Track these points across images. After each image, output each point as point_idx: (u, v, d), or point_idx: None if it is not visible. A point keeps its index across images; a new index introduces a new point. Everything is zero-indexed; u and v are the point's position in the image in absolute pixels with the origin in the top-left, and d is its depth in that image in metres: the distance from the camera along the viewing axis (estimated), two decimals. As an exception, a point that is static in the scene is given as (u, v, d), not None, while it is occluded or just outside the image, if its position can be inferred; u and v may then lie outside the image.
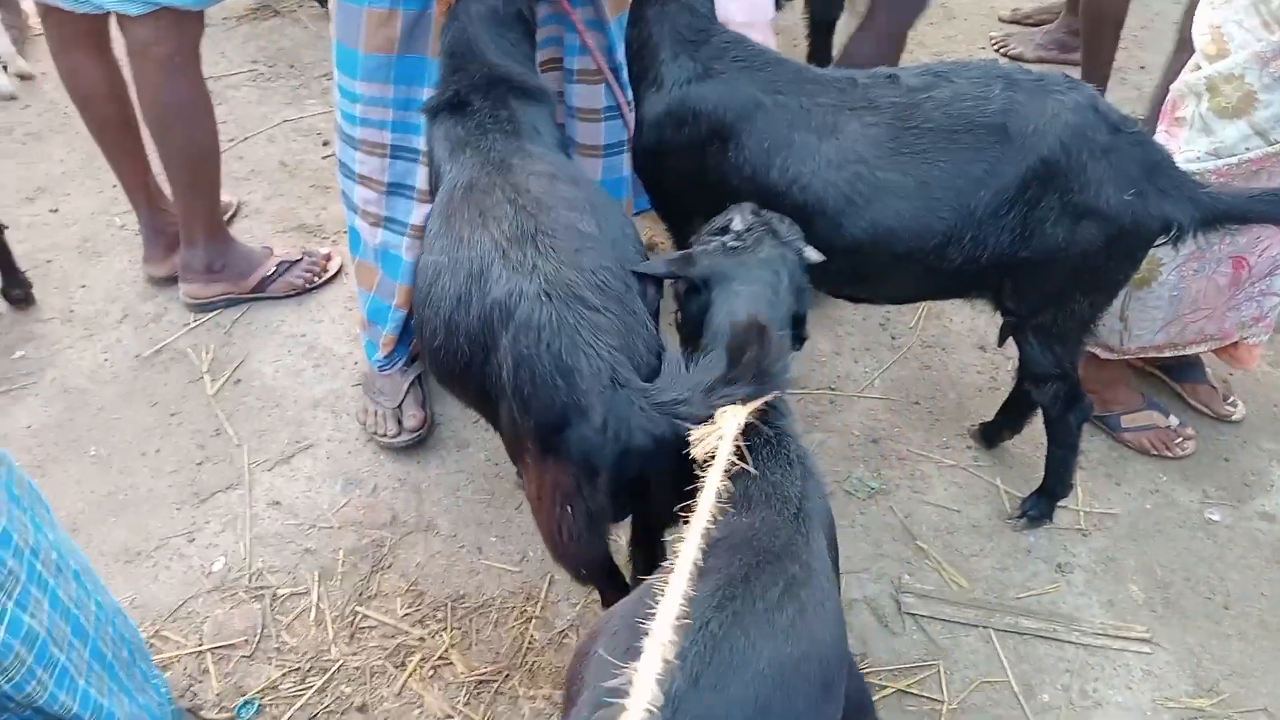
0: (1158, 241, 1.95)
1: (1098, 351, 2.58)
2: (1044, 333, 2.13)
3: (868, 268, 2.09)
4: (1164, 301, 2.45)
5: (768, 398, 1.51)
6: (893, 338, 2.97)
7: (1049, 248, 1.92)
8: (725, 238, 1.76)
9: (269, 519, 2.41)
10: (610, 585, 1.93)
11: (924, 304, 3.03)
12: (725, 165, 2.10)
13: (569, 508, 1.62)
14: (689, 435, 1.42)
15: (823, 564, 1.41)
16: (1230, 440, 2.72)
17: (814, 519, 1.44)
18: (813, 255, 1.80)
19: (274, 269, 3.00)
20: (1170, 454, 2.64)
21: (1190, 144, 2.23)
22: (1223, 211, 1.91)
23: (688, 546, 1.20)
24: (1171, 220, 1.90)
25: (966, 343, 2.98)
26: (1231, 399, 2.76)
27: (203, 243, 2.88)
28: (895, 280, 2.15)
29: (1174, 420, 2.66)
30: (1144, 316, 2.48)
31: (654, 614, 1.26)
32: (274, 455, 2.58)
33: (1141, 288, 2.43)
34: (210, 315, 2.96)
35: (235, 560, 2.32)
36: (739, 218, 1.80)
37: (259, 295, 3.00)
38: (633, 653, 1.26)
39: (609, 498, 1.60)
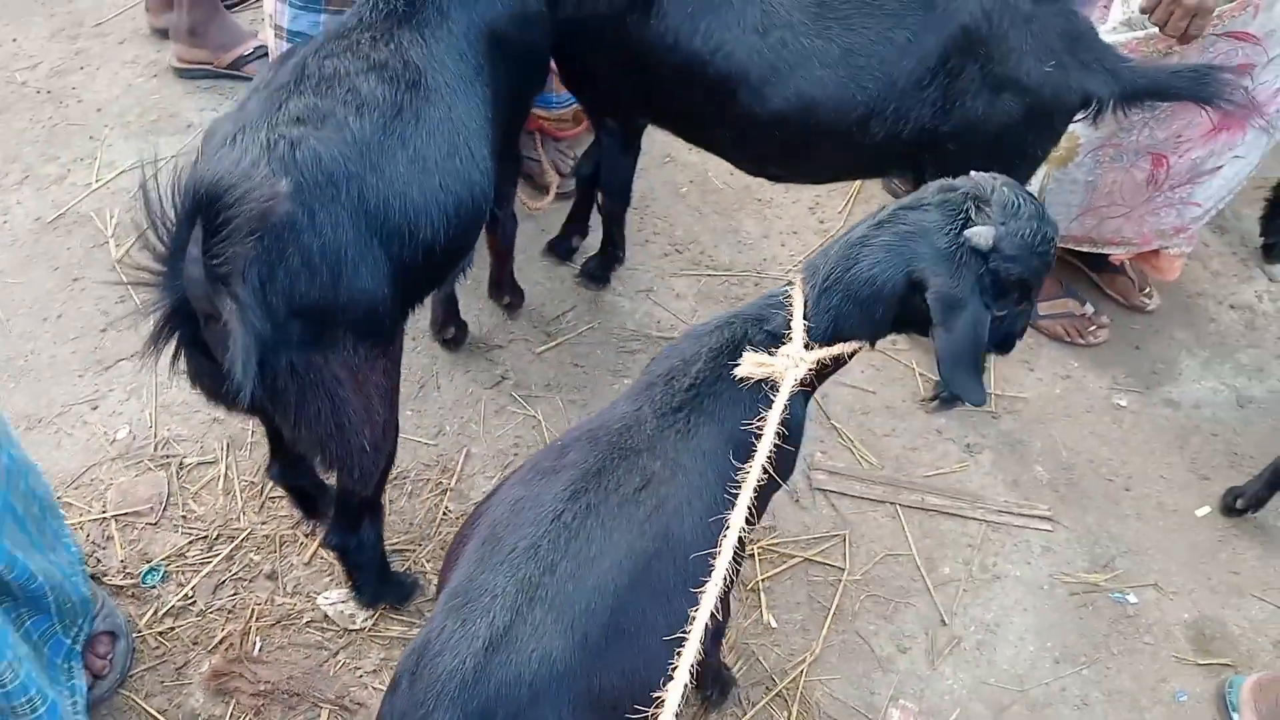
0: (1077, 116, 1.94)
1: None
2: None
3: (790, 143, 2.05)
4: (1080, 187, 2.46)
5: (841, 350, 1.48)
6: (820, 222, 2.95)
7: (969, 121, 1.90)
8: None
9: (176, 388, 2.34)
10: None
11: (853, 189, 3.01)
12: (647, 34, 2.02)
13: None
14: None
15: (700, 465, 1.36)
16: (1143, 329, 2.76)
17: (705, 419, 1.39)
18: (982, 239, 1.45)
19: (252, 50, 3.08)
20: (1083, 341, 2.68)
21: (1111, 16, 2.22)
22: (1143, 87, 1.89)
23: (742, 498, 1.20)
24: (1091, 94, 1.88)
25: (893, 229, 2.97)
26: (1148, 289, 2.80)
27: (188, 5, 3.00)
28: (817, 157, 2.11)
29: (1089, 308, 2.70)
30: (1061, 200, 2.49)
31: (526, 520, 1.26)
32: (183, 325, 2.51)
33: (1059, 167, 2.43)
34: (113, 178, 2.82)
35: (140, 429, 2.27)
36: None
37: (235, 74, 3.08)
38: (493, 550, 1.27)
39: None
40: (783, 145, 2.06)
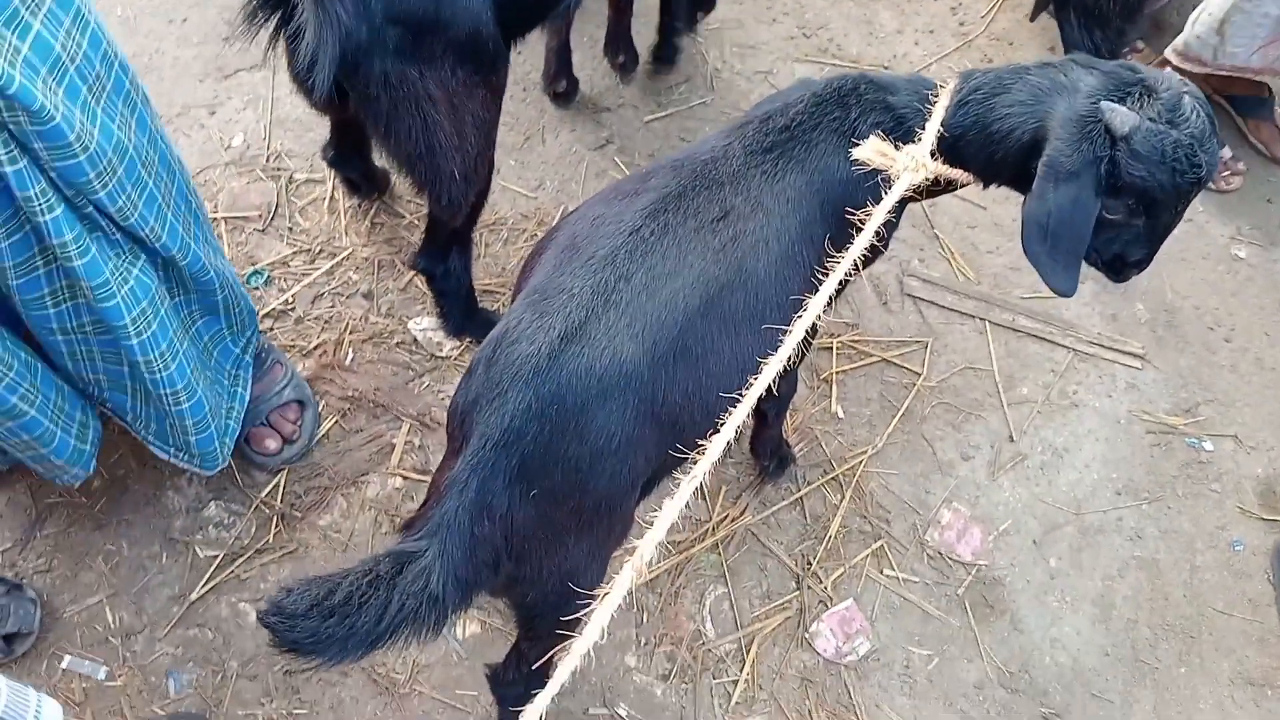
0: None
1: (1186, 66, 2.40)
2: (1085, 11, 1.97)
3: None
4: (1270, 20, 2.25)
5: (959, 175, 1.42)
6: (960, 24, 2.79)
7: None
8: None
9: (291, 104, 2.38)
10: None
11: (1001, -5, 2.82)
12: None
13: None
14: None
15: (782, 209, 1.34)
16: (1279, 184, 2.61)
17: (794, 165, 1.36)
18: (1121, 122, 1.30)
19: None
20: (1214, 186, 2.54)
21: None
22: None
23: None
24: None
25: (1037, 42, 2.80)
26: (1296, 142, 2.62)
27: None
28: None
29: (1227, 152, 2.54)
30: (1245, 32, 2.28)
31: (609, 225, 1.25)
32: (302, 44, 2.52)
33: None
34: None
35: (254, 139, 2.32)
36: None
37: None
38: (572, 256, 1.27)
39: None
40: None
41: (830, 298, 1.30)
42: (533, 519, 1.18)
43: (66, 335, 1.55)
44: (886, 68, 2.68)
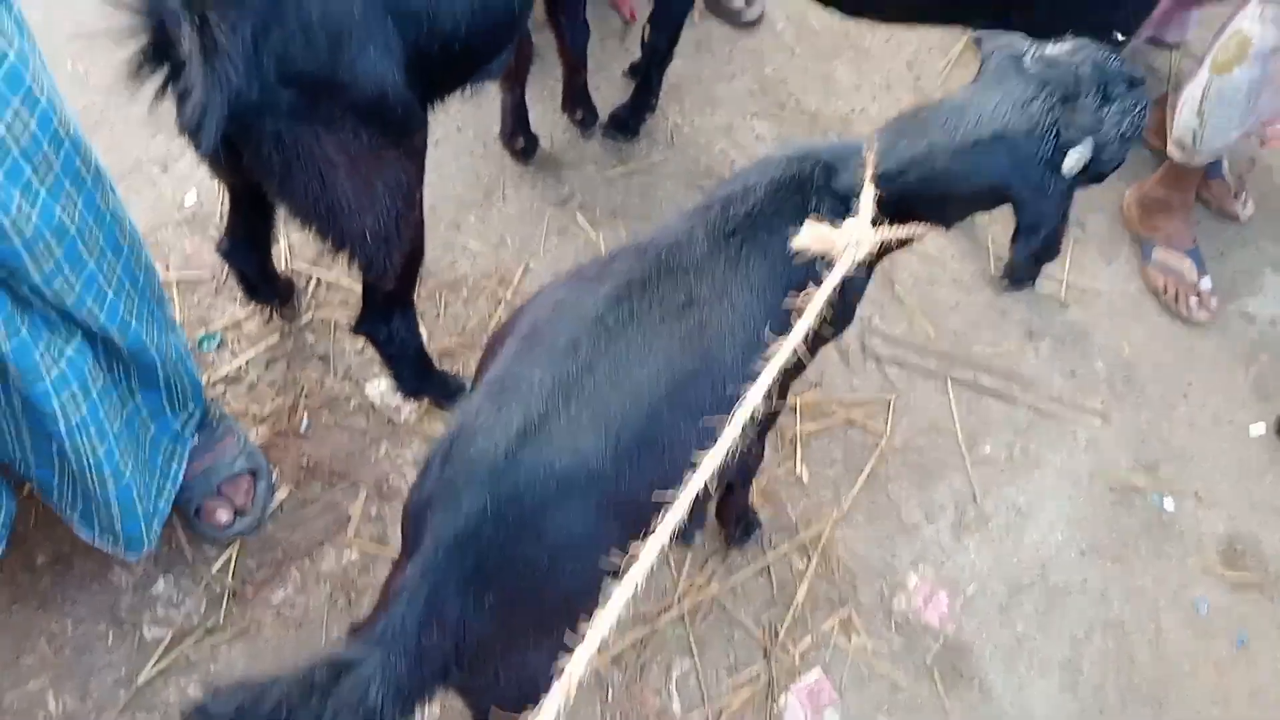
0: None
1: (1173, 151, 2.37)
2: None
3: None
4: (1241, 95, 2.20)
5: (911, 231, 1.38)
6: (917, 79, 2.81)
7: None
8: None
9: (246, 162, 2.33)
10: None
11: (954, 51, 2.85)
12: None
13: None
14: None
15: (747, 296, 1.31)
16: (1231, 236, 2.65)
17: (757, 251, 1.33)
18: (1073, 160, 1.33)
19: None
20: (1178, 308, 2.48)
21: None
22: None
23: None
24: None
25: (991, 97, 2.83)
26: (1244, 196, 2.66)
27: None
28: None
29: (1205, 284, 2.47)
30: (1222, 113, 2.24)
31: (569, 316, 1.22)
32: (257, 99, 2.47)
33: (1224, 72, 2.19)
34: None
35: (207, 196, 2.27)
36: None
37: None
38: (533, 345, 1.24)
39: None
40: None
41: (784, 373, 1.27)
42: (488, 626, 1.13)
43: None
44: (844, 121, 2.70)
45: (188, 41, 1.25)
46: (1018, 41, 1.41)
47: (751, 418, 1.14)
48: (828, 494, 2.10)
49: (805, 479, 2.10)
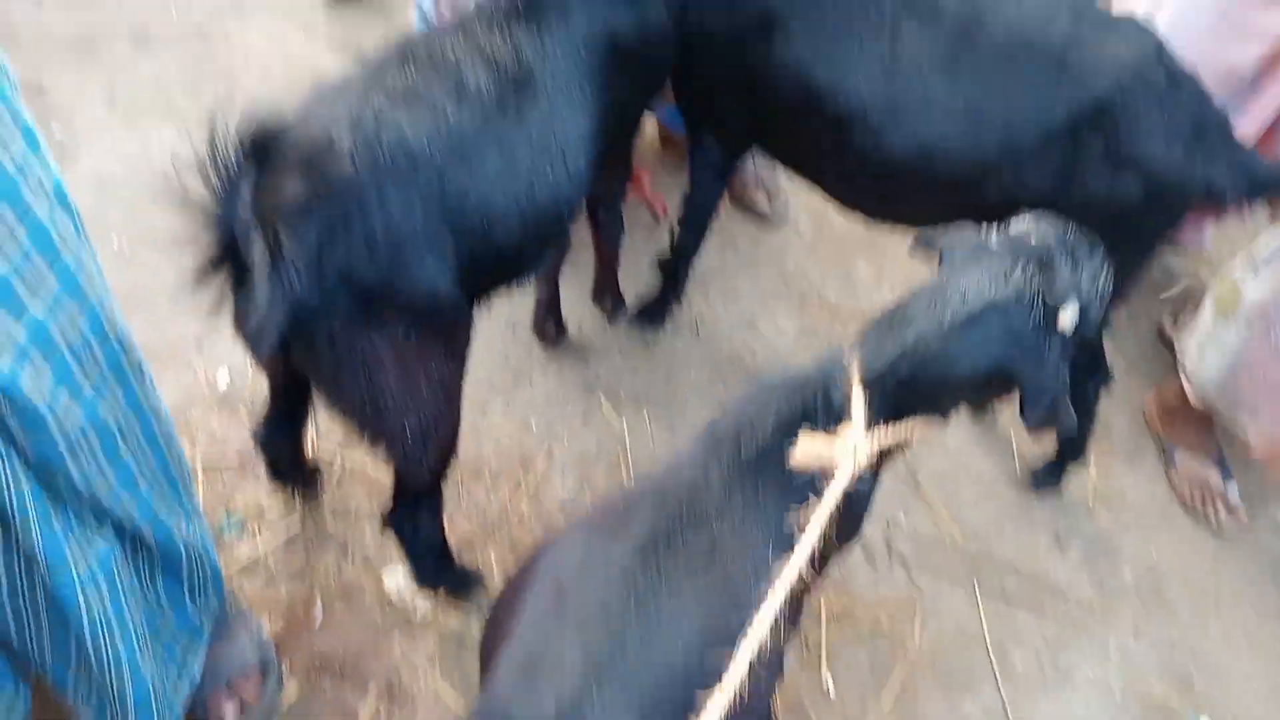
0: (1196, 204, 1.86)
1: (1186, 384, 2.39)
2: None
3: (899, 187, 1.98)
4: (1227, 349, 2.25)
5: (911, 428, 1.37)
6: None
7: (1087, 196, 1.82)
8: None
9: (279, 342, 2.37)
10: None
11: (976, 248, 2.93)
12: (768, 59, 1.97)
13: None
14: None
15: (763, 533, 1.29)
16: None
17: (772, 484, 1.32)
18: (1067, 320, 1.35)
19: None
20: (1205, 517, 2.45)
21: None
22: (1268, 179, 1.82)
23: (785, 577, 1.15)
24: (1215, 185, 1.80)
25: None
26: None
27: None
28: (923, 207, 2.02)
29: (1232, 492, 2.46)
30: (1212, 352, 2.29)
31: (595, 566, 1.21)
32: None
33: (1223, 315, 2.26)
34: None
35: (239, 376, 2.30)
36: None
37: None
38: (560, 609, 1.21)
39: None
40: (891, 190, 2.00)
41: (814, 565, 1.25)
42: None
43: (15, 599, 1.47)
44: (865, 315, 2.73)
45: (256, 252, 1.30)
46: (968, 231, 1.45)
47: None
48: (854, 707, 2.02)
49: (832, 692, 2.03)
